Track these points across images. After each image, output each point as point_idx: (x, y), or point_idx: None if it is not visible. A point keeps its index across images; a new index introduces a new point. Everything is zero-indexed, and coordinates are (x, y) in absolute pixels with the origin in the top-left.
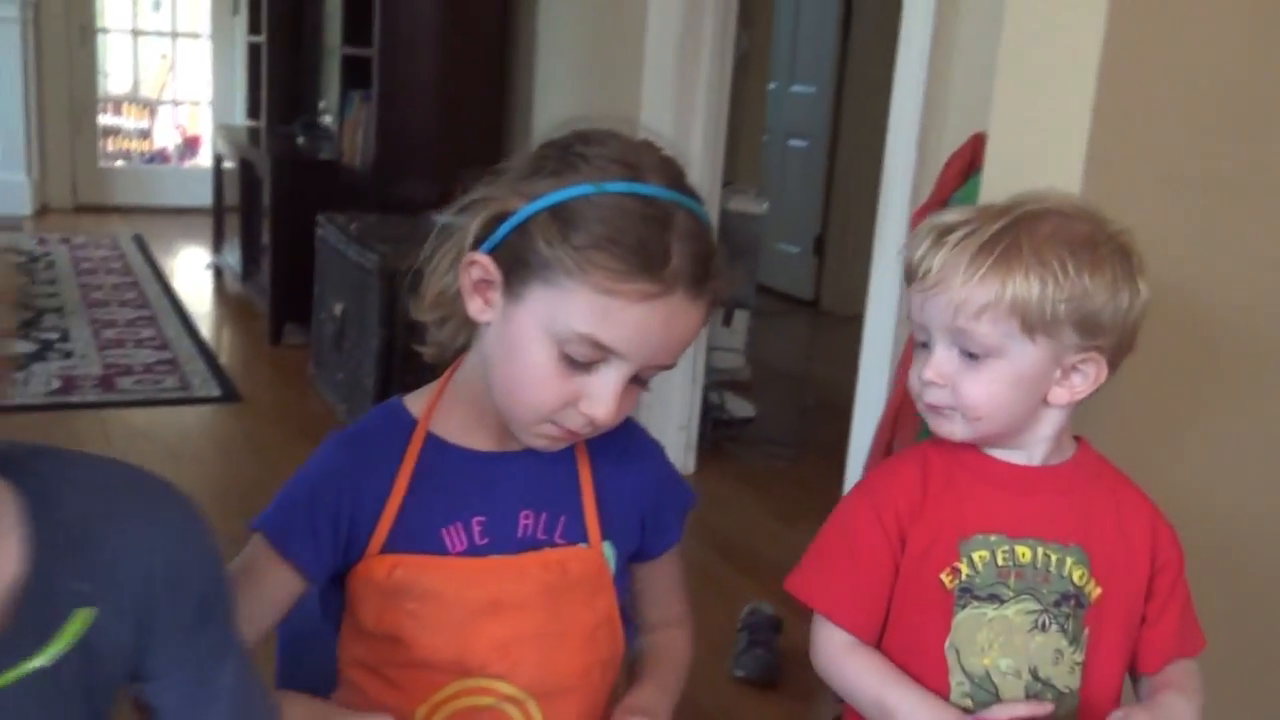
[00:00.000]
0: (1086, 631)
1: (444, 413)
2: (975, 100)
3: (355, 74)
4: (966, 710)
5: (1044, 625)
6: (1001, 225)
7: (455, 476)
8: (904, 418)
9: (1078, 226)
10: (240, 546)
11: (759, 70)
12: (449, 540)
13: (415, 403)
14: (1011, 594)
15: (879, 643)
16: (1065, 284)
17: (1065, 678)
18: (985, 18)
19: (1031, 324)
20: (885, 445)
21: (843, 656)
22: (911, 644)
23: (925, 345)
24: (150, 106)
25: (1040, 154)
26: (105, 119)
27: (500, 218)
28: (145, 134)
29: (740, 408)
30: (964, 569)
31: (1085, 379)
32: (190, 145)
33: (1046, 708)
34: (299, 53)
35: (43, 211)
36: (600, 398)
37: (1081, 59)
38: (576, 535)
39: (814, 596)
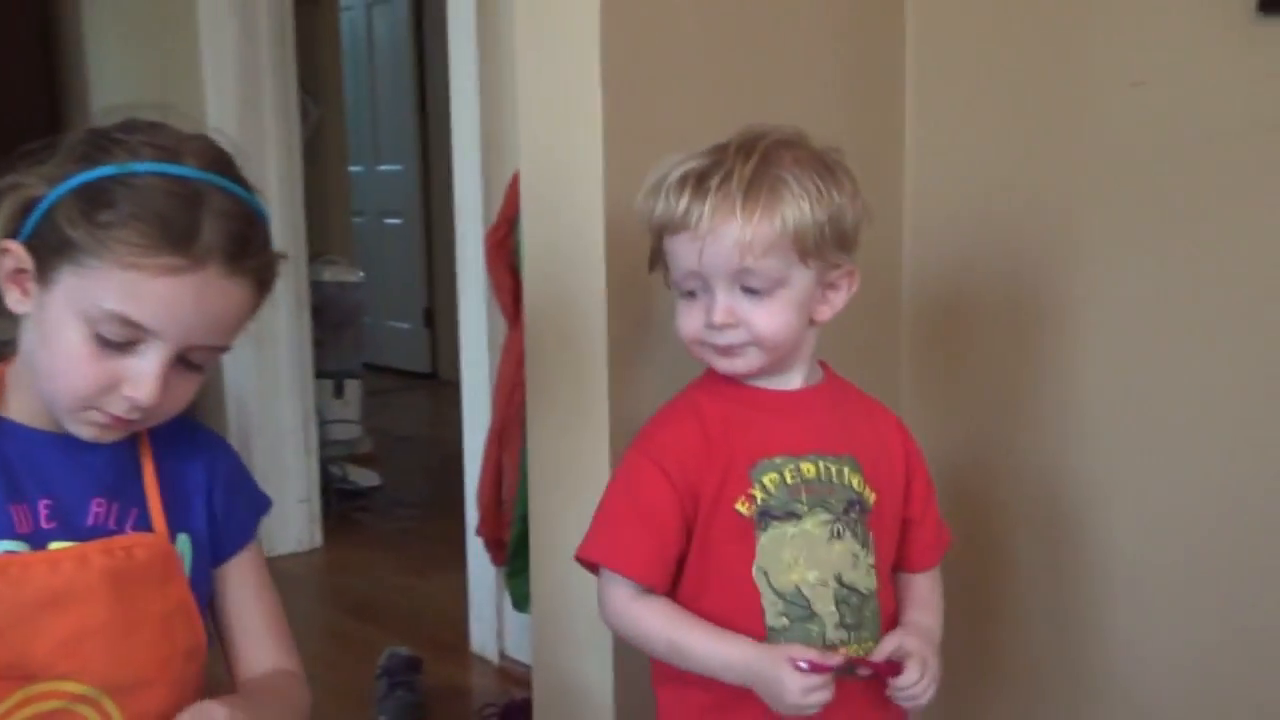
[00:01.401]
0: (871, 535)
1: (11, 396)
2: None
3: None
4: (782, 630)
5: (839, 533)
6: (756, 162)
7: (21, 457)
8: (507, 436)
9: (809, 150)
10: None
11: (338, 149)
12: (15, 520)
13: None
14: (806, 508)
15: (685, 590)
16: (826, 205)
17: (864, 580)
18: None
19: (806, 249)
20: (494, 463)
21: (631, 605)
22: (720, 579)
23: (694, 294)
24: None
25: (564, 146)
26: None
27: (29, 205)
28: None
29: (364, 477)
30: (758, 494)
31: (841, 293)
32: None
33: (835, 659)
34: None
35: None
36: (140, 379)
37: (585, 74)
38: (146, 526)
39: (600, 553)
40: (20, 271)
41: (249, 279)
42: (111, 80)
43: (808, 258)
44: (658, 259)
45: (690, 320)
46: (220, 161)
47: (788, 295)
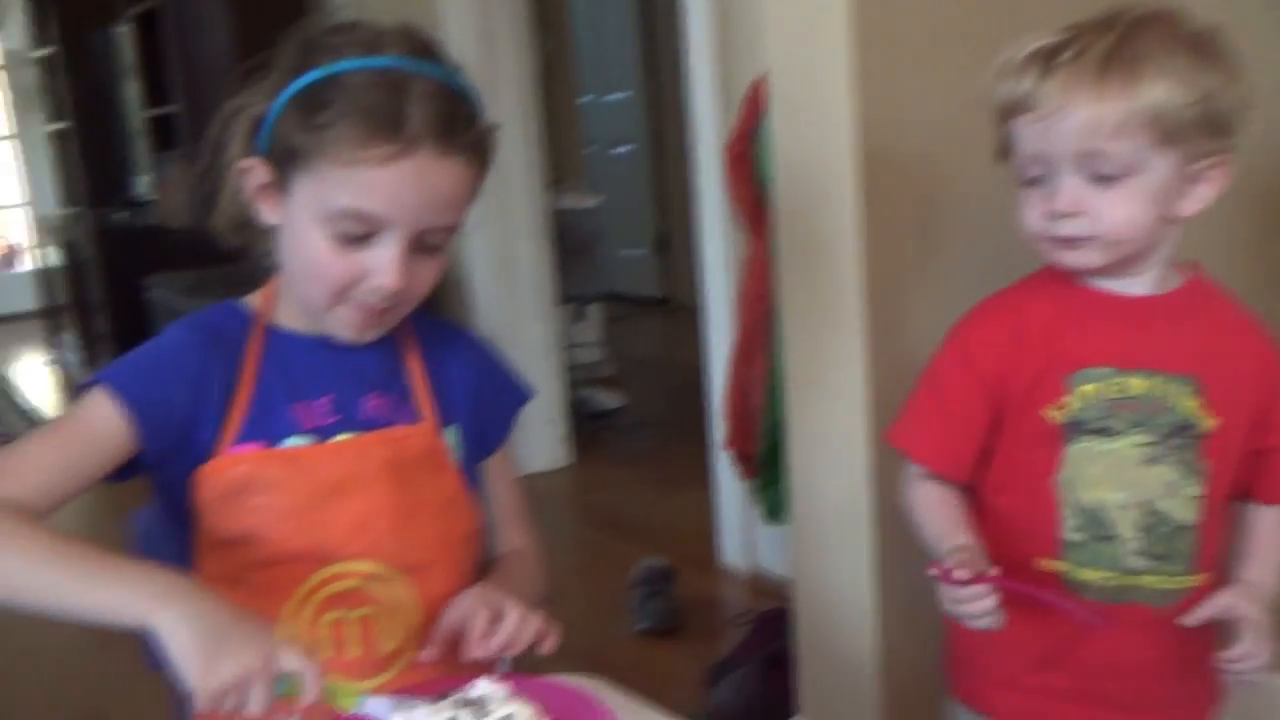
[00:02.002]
0: (1209, 464)
1: (282, 307)
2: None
3: (163, 135)
4: (1076, 545)
5: (1157, 458)
6: (1115, 38)
7: (300, 361)
8: (752, 349)
9: (1182, 24)
10: None
11: (567, 81)
12: (301, 418)
13: (251, 301)
14: (1123, 427)
15: (989, 482)
16: (1193, 85)
17: (1181, 510)
18: None
19: (1166, 133)
20: (740, 378)
21: (910, 486)
22: (1021, 481)
23: (1038, 181)
24: None
25: (812, 48)
26: None
27: (257, 122)
28: None
29: (608, 399)
30: (1073, 402)
31: (1212, 186)
32: (10, 255)
33: (986, 572)
34: (107, 133)
35: None
36: (383, 268)
37: None
38: (417, 419)
39: (897, 436)
40: (264, 186)
41: (463, 155)
42: (353, 9)
43: (1168, 143)
44: (1004, 149)
45: (1031, 211)
46: (421, 47)
47: (1141, 184)
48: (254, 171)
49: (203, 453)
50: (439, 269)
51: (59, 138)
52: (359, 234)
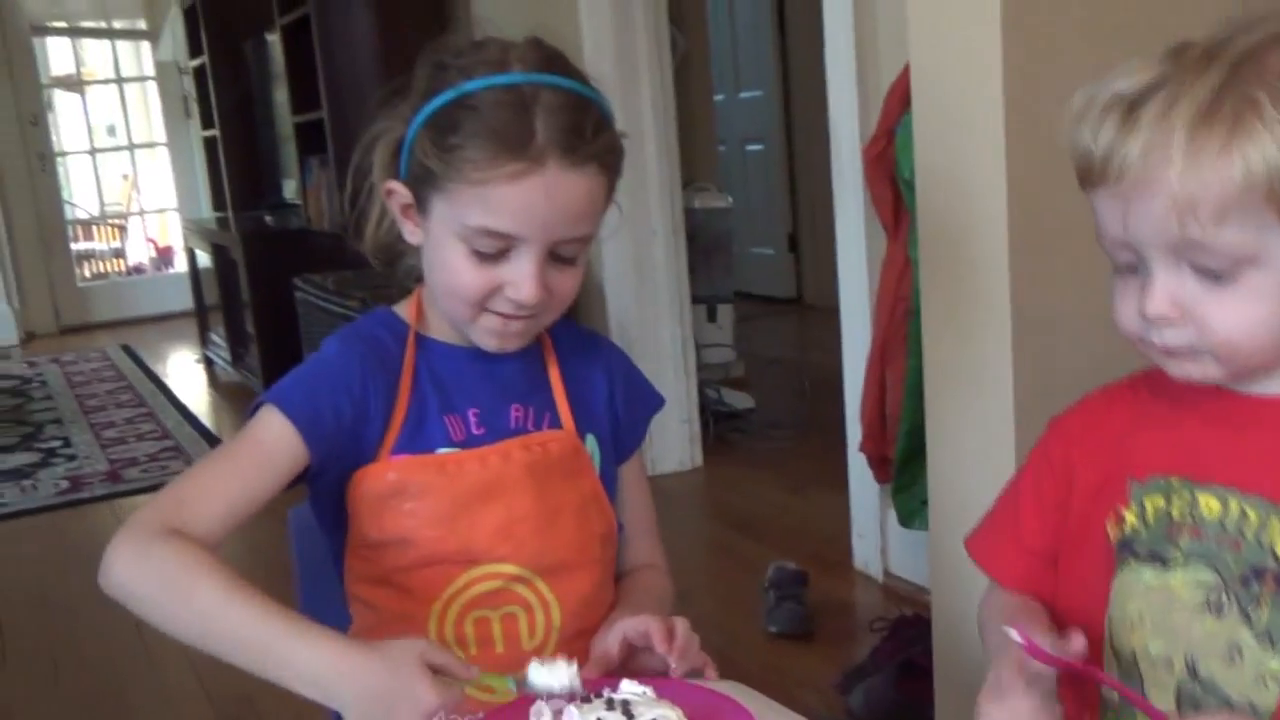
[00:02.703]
0: None
1: (429, 316)
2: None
3: (310, 140)
4: (1110, 703)
5: (1219, 606)
6: (1219, 77)
7: (449, 372)
8: (890, 351)
9: None
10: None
11: (702, 79)
12: (451, 428)
13: (401, 309)
14: (1181, 556)
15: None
16: None
17: (1242, 684)
18: None
19: None
20: (877, 380)
21: (983, 600)
22: (1078, 605)
23: (1132, 269)
24: (119, 226)
25: (957, 43)
26: (78, 245)
27: (397, 146)
28: (119, 253)
29: (739, 399)
30: (1130, 517)
31: None
32: (164, 255)
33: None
34: (255, 140)
35: (29, 339)
36: (520, 282)
37: None
38: (557, 428)
39: (972, 545)
40: (408, 207)
41: (591, 166)
42: (495, 16)
43: None
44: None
45: (1123, 307)
46: (547, 60)
47: (1264, 279)
48: (396, 194)
49: (363, 461)
50: (577, 278)
51: (209, 144)
52: (493, 251)
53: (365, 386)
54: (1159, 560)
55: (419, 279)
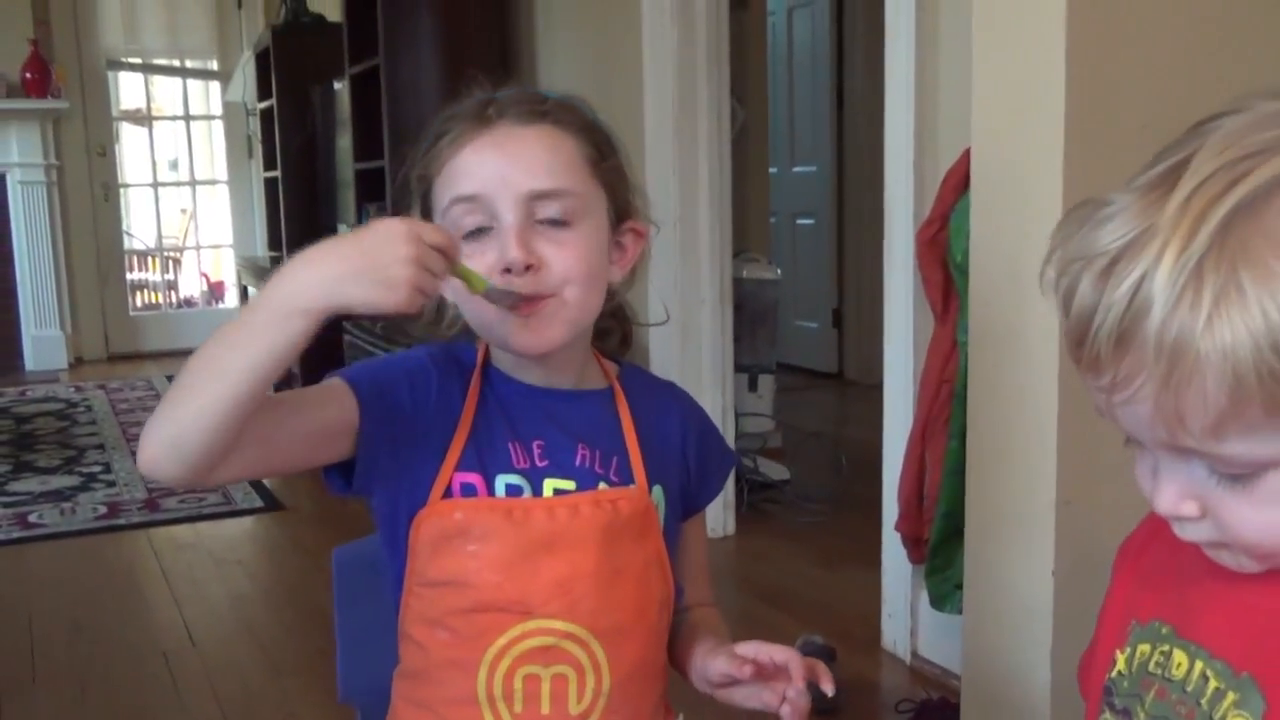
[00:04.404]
0: None
1: (494, 354)
2: (963, 126)
3: (369, 188)
4: None
5: None
6: (1206, 241)
7: (515, 402)
8: (931, 432)
9: None
10: (293, 636)
11: (759, 152)
12: (514, 455)
13: (475, 344)
14: (1144, 716)
15: None
16: None
17: None
18: (962, 44)
19: None
20: (917, 460)
21: None
22: None
23: (1140, 443)
24: (174, 258)
25: (1020, 131)
26: (132, 275)
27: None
28: (172, 285)
29: (774, 471)
30: (1120, 661)
31: None
32: (216, 290)
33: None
34: (314, 183)
35: (77, 363)
36: (504, 243)
37: (1047, 59)
38: (626, 476)
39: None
40: None
41: (544, 121)
42: (561, 84)
43: None
44: None
45: (1141, 482)
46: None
47: None
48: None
49: (430, 473)
50: (577, 247)
51: (270, 184)
52: (476, 225)
53: (431, 384)
54: (1126, 716)
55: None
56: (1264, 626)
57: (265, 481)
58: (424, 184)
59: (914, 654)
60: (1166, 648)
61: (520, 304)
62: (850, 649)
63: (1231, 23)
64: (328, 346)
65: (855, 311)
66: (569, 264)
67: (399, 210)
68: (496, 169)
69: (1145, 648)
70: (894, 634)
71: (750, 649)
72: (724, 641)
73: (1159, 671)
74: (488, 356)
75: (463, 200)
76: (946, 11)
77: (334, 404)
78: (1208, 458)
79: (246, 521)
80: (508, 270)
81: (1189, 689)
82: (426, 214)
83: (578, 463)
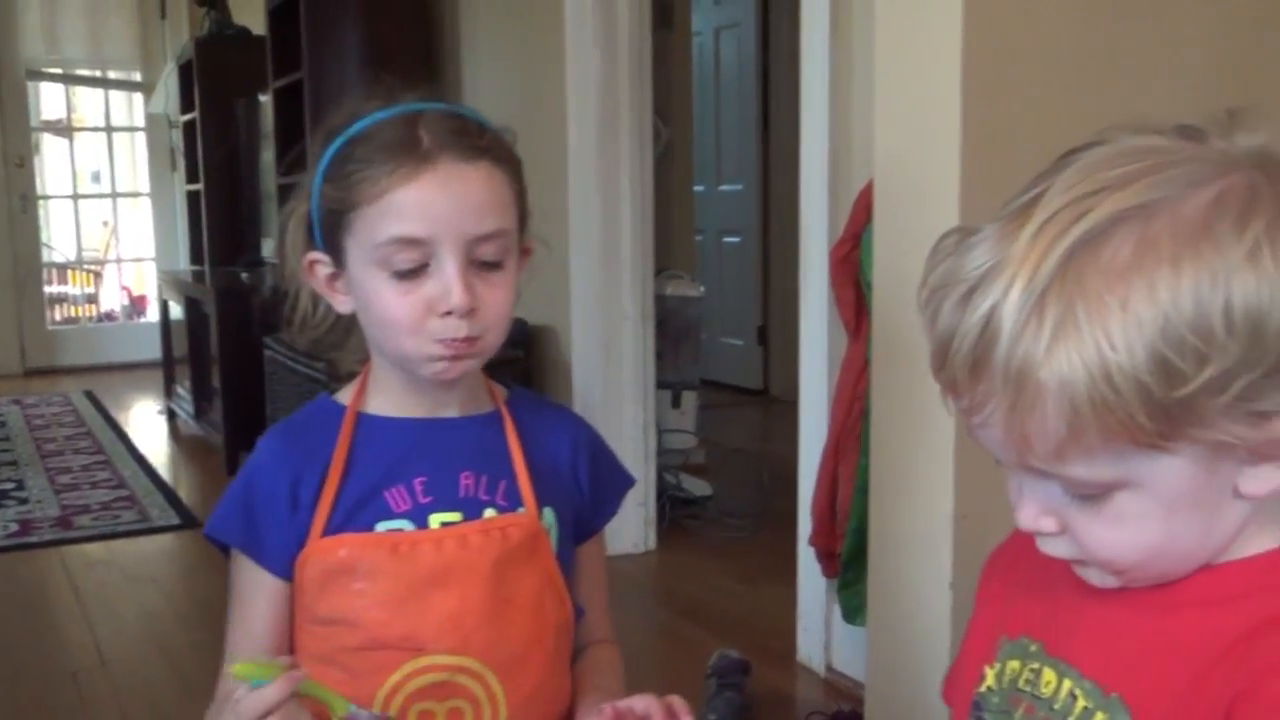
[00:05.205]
0: None
1: (373, 395)
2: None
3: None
4: None
5: None
6: (1050, 272)
7: (392, 445)
8: (844, 448)
9: (1188, 206)
10: (205, 654)
11: (684, 170)
12: (393, 502)
13: (343, 395)
14: None
15: None
16: (1190, 334)
17: None
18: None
19: (1152, 430)
20: (830, 475)
21: None
22: None
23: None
24: (95, 271)
25: (919, 157)
26: (51, 288)
27: (307, 218)
28: (92, 299)
29: (697, 487)
30: (990, 676)
31: None
32: (137, 304)
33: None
34: (238, 197)
35: None
36: (446, 288)
37: (944, 88)
38: (514, 500)
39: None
40: (331, 276)
41: (484, 159)
42: (485, 103)
43: (1165, 439)
44: None
45: (1012, 500)
46: (431, 95)
47: (1138, 504)
48: (318, 264)
49: (301, 540)
50: (507, 289)
51: (192, 198)
52: (413, 265)
53: (297, 483)
54: None
55: (363, 360)
56: (1135, 648)
57: (182, 498)
58: (343, 205)
59: (828, 667)
60: (1036, 665)
61: (456, 354)
62: (766, 663)
63: (1120, 51)
64: (250, 361)
65: (780, 329)
66: (500, 306)
67: (284, 262)
68: (442, 212)
69: (1015, 664)
70: (809, 647)
71: (608, 708)
72: (606, 693)
73: (1028, 689)
74: (361, 395)
75: (404, 241)
76: (860, 37)
77: (273, 596)
78: (1057, 479)
79: (162, 539)
80: (448, 313)
81: (1057, 706)
82: (334, 232)
83: (462, 493)
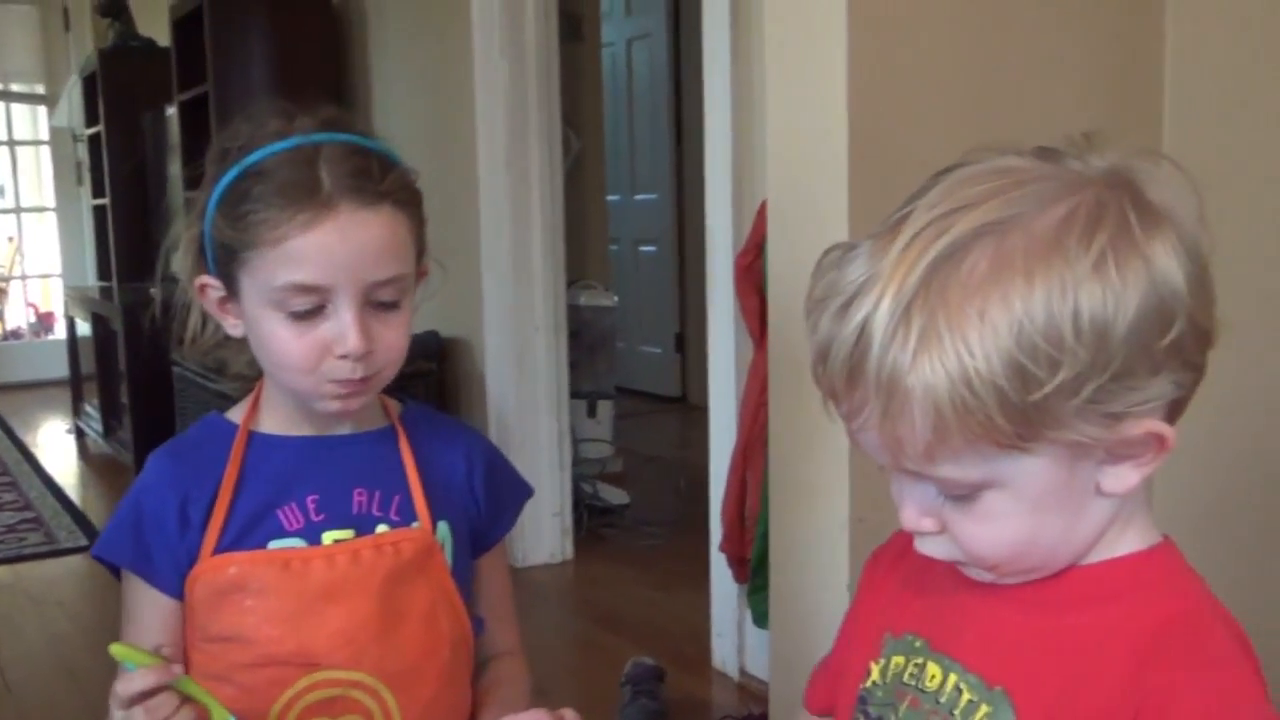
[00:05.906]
0: None
1: (265, 413)
2: None
3: None
4: None
5: None
6: (915, 284)
7: (283, 464)
8: (751, 454)
9: (1040, 221)
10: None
11: (596, 180)
12: (285, 520)
13: (234, 413)
14: None
15: None
16: (1042, 341)
17: None
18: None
19: (1011, 433)
20: (739, 482)
21: None
22: None
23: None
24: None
25: (810, 173)
26: None
27: (199, 241)
28: None
29: (613, 495)
30: (875, 671)
31: (1146, 448)
32: (44, 321)
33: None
34: (145, 211)
35: None
36: (342, 333)
37: (831, 108)
38: (408, 515)
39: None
40: (223, 300)
41: (384, 205)
42: (395, 115)
43: (1024, 441)
44: None
45: (896, 500)
46: (326, 122)
47: (1004, 503)
48: (209, 289)
49: (192, 558)
50: (404, 325)
51: (99, 213)
52: (309, 307)
53: (186, 502)
54: None
55: (258, 375)
56: (1018, 645)
57: (91, 519)
58: (239, 245)
59: (742, 671)
60: (920, 660)
61: (351, 392)
62: (681, 668)
63: (1000, 72)
64: (159, 378)
65: (697, 336)
66: (396, 344)
67: (164, 281)
68: (341, 260)
69: (899, 660)
70: (723, 652)
71: None
72: (507, 706)
73: (913, 683)
74: (254, 412)
75: (301, 288)
76: (760, 51)
77: (165, 613)
78: (930, 480)
79: (70, 561)
80: (344, 356)
81: (942, 700)
82: (229, 265)
83: (355, 510)
